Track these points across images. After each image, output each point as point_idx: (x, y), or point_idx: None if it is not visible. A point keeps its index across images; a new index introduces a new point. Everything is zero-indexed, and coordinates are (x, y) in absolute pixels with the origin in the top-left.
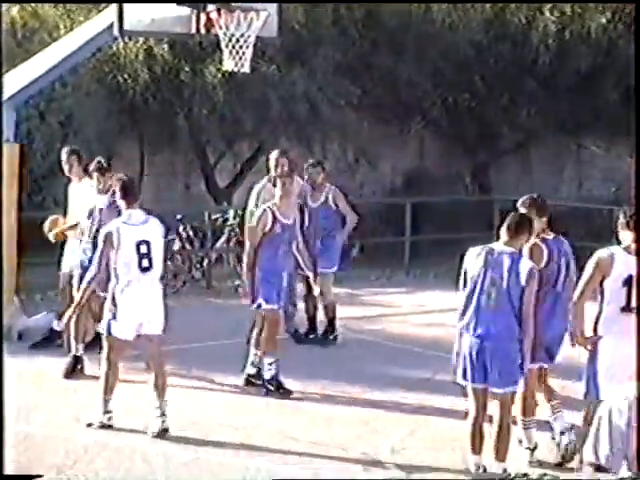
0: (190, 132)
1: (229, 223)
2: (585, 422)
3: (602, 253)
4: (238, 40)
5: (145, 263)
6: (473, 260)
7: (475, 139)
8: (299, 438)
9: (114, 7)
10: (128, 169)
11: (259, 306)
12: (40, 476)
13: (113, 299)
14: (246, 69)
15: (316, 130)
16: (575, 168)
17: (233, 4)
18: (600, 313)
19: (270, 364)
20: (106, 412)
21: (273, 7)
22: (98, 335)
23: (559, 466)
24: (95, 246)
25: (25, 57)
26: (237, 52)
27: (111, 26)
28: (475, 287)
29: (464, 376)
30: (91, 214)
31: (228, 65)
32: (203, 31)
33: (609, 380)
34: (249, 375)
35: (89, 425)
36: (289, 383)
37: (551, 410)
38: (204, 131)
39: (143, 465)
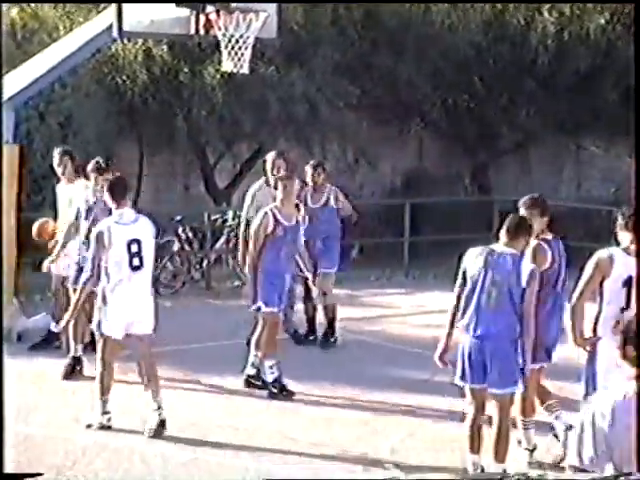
0: (189, 133)
1: (228, 224)
2: None
3: (601, 254)
4: (237, 41)
5: (136, 262)
6: (473, 260)
7: (474, 139)
8: (299, 439)
9: (113, 8)
10: (127, 170)
11: (259, 309)
12: (40, 474)
13: (104, 297)
14: (245, 70)
15: (315, 131)
16: (574, 168)
17: (232, 5)
18: (599, 314)
19: (271, 367)
20: (105, 413)
21: (272, 8)
22: None
23: (559, 466)
24: (88, 246)
25: (24, 58)
26: (236, 53)
27: (110, 27)
28: (475, 287)
29: (462, 377)
30: (87, 214)
31: (227, 66)
32: (202, 32)
33: (608, 381)
34: (249, 376)
35: (88, 426)
36: (289, 384)
37: (550, 410)
38: (203, 132)
39: (142, 466)
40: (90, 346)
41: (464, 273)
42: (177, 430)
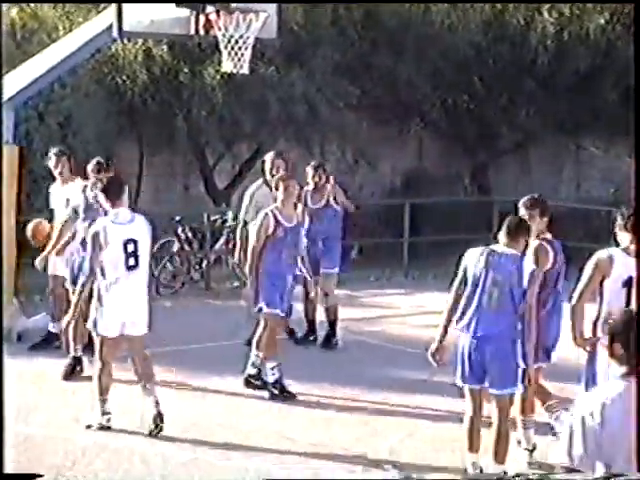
0: (189, 133)
1: (228, 224)
2: None
3: (601, 254)
4: (237, 41)
5: (132, 261)
6: (473, 261)
7: (474, 139)
8: (298, 439)
9: (113, 8)
10: (127, 170)
11: (260, 310)
12: (40, 475)
13: (99, 297)
14: (245, 70)
15: (315, 131)
16: (574, 168)
17: (232, 5)
18: (599, 314)
19: (272, 368)
20: (105, 413)
21: (272, 8)
22: None
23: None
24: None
25: (24, 58)
26: (236, 53)
27: (110, 27)
28: (476, 287)
29: (462, 377)
30: (86, 214)
31: (227, 66)
32: (202, 32)
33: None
34: (249, 375)
35: (88, 426)
36: (289, 385)
37: (550, 411)
38: (203, 132)
39: (142, 466)
40: (90, 346)
41: (464, 273)
42: (177, 430)
